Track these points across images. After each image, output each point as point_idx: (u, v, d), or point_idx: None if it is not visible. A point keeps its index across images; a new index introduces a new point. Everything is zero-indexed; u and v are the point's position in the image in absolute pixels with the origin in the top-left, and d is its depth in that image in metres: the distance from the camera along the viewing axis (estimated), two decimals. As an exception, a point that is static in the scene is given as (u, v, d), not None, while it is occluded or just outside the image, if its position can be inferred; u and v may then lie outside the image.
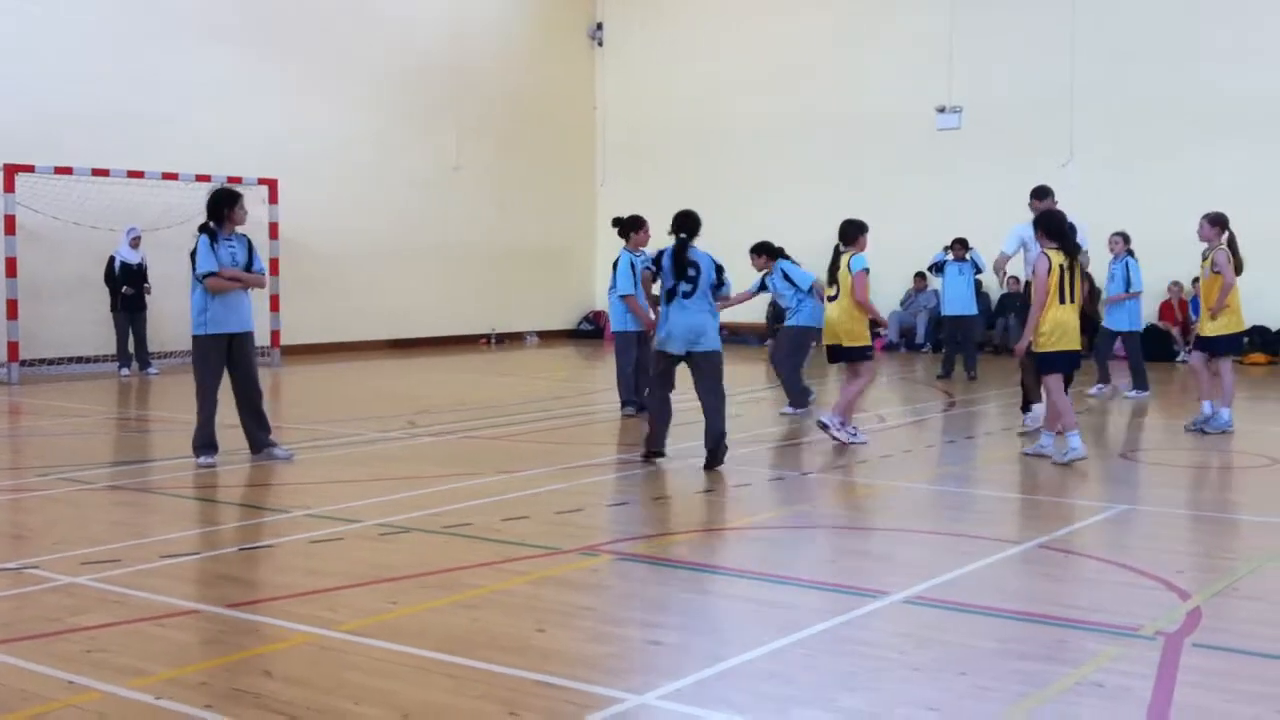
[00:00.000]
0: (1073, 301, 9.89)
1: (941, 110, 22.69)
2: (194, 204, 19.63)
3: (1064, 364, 9.96)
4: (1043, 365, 10.12)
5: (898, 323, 22.80)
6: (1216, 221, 11.51)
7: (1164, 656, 5.05)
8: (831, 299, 11.00)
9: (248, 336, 10.34)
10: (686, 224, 9.88)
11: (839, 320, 10.91)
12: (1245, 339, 12.26)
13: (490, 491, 8.88)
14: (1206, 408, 11.58)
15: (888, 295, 21.86)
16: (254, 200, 20.07)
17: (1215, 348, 11.52)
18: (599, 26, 26.89)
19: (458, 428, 12.20)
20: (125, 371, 17.82)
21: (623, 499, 8.70)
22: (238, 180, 19.78)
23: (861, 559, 7.11)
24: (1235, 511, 8.46)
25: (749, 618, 5.75)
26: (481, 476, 9.47)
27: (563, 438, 11.46)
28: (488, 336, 24.24)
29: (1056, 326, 9.82)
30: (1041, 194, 11.76)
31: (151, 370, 18.05)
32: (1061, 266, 9.84)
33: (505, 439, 11.39)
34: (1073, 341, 9.90)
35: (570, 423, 12.78)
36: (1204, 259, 11.58)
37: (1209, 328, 11.48)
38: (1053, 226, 10.04)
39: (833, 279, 10.95)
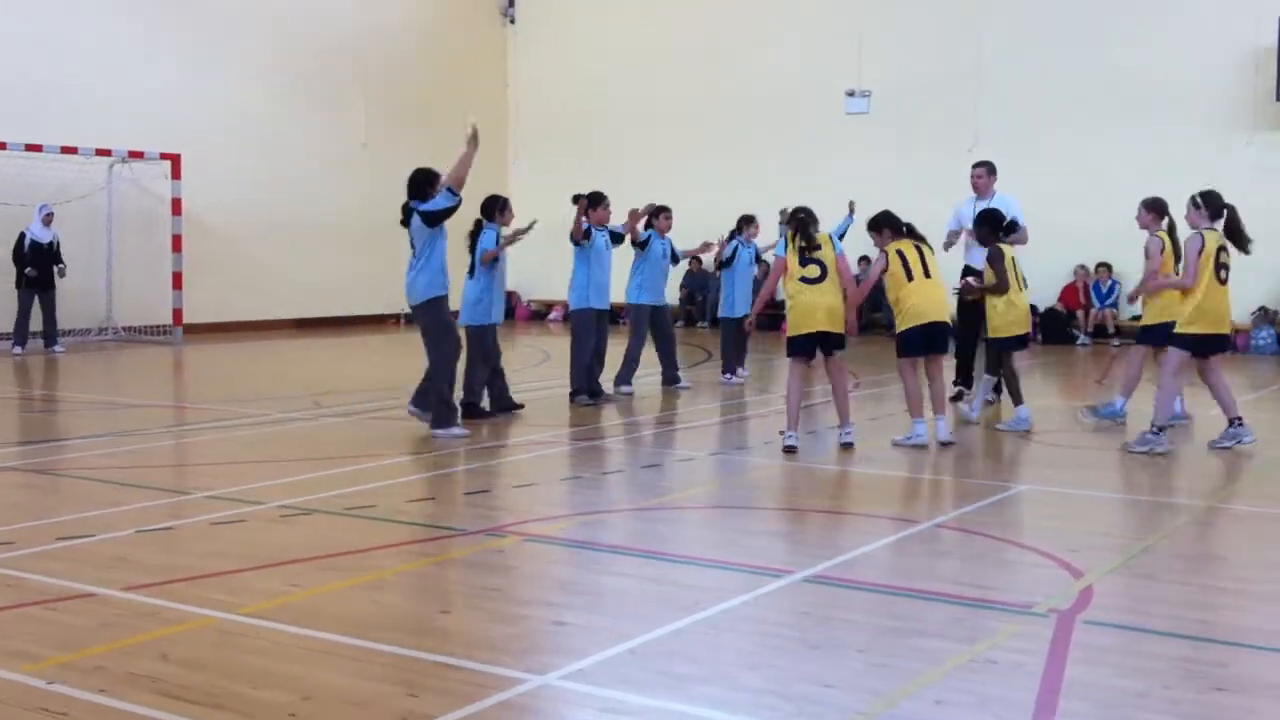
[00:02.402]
0: (927, 277, 9.92)
1: (851, 94, 22.88)
2: (94, 179, 19.40)
3: (915, 345, 10.03)
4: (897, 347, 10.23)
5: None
6: (1153, 207, 11.01)
7: (1056, 633, 5.16)
8: (810, 281, 9.72)
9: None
10: (410, 189, 10.56)
11: (831, 304, 9.73)
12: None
13: (396, 473, 8.83)
14: (1120, 402, 11.31)
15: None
16: (156, 175, 19.80)
17: (1148, 338, 11.13)
18: (511, 4, 26.73)
19: (364, 409, 12.10)
20: (19, 350, 17.43)
21: (530, 481, 8.69)
22: (139, 155, 19.43)
23: (764, 539, 7.18)
24: (1130, 492, 8.67)
25: (653, 598, 5.78)
26: (387, 458, 9.41)
27: (470, 420, 11.39)
28: (397, 316, 24.03)
29: (908, 307, 9.96)
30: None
31: (58, 349, 17.70)
32: (900, 251, 9.99)
33: (413, 420, 11.30)
34: (923, 316, 9.89)
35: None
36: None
37: (1146, 316, 11.09)
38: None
39: (811, 259, 9.76)
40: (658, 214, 13.56)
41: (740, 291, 14.47)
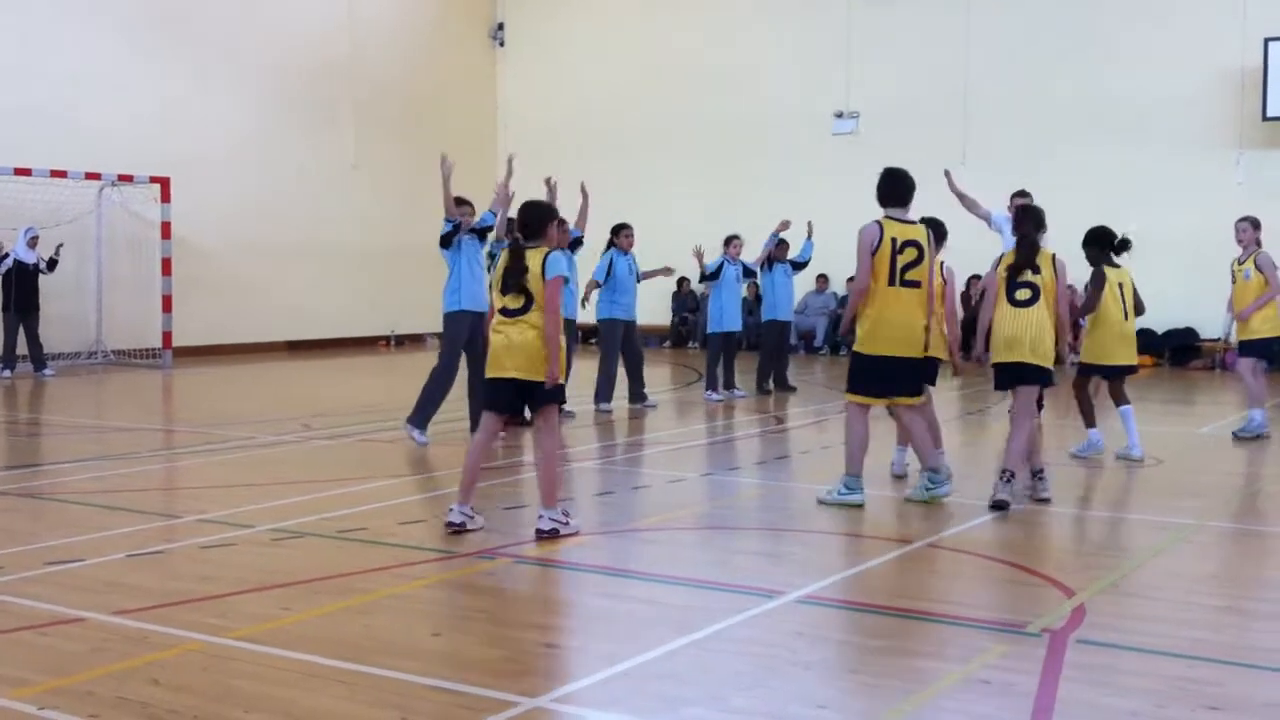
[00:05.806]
0: (917, 286, 8.31)
1: (839, 115, 22.96)
2: (83, 203, 19.38)
3: (867, 379, 8.74)
4: None
5: (795, 327, 23.01)
6: (1260, 225, 11.38)
7: (1049, 653, 5.16)
8: (510, 313, 7.20)
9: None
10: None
11: (520, 344, 7.14)
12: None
13: (386, 495, 8.80)
14: (1257, 415, 11.38)
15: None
16: (145, 199, 19.79)
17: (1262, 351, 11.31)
18: (500, 27, 26.81)
19: (354, 431, 12.08)
20: (8, 374, 17.39)
21: (519, 502, 8.68)
22: (128, 178, 19.41)
23: (756, 559, 7.17)
24: (1120, 510, 8.67)
25: (644, 619, 5.77)
26: (377, 480, 9.39)
27: (460, 441, 11.38)
28: (387, 338, 24.03)
29: (869, 323, 8.19)
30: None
31: (47, 372, 17.65)
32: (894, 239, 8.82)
33: (402, 442, 11.28)
34: (883, 342, 8.11)
35: (467, 426, 12.70)
36: (1240, 263, 11.42)
37: (1248, 329, 11.28)
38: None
39: (515, 285, 7.16)
40: (618, 232, 13.84)
41: (728, 308, 14.83)
